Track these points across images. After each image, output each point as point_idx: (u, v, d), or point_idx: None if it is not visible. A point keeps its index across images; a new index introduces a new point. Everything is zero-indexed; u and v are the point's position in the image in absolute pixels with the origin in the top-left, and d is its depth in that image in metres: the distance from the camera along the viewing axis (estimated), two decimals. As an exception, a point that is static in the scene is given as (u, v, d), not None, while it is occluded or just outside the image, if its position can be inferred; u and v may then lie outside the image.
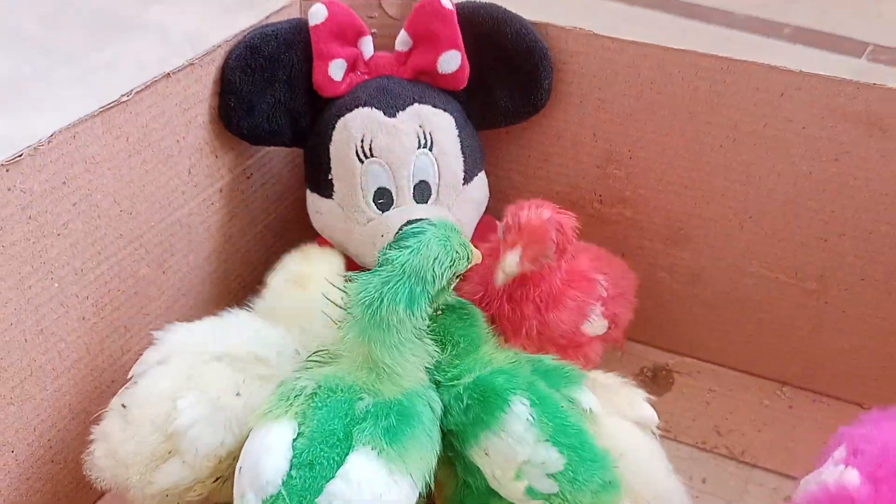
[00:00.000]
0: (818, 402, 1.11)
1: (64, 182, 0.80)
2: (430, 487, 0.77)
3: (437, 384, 0.79)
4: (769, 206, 1.00)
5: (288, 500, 0.68)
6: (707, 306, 1.11)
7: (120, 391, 0.81)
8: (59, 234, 0.81)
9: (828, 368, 1.09)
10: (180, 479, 0.79)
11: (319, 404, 0.73)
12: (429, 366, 0.77)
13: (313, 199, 1.00)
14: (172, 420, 0.77)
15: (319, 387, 0.74)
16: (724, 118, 0.97)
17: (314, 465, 0.69)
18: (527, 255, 0.85)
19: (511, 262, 0.85)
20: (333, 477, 0.69)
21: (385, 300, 0.72)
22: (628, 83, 1.00)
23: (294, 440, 0.71)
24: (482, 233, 1.05)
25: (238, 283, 1.10)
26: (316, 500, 0.68)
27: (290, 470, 0.69)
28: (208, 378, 0.80)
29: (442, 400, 0.78)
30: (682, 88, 0.97)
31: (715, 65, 0.95)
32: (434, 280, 0.74)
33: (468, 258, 0.79)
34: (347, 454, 0.70)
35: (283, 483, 0.69)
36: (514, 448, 0.74)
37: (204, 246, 1.02)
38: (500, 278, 0.86)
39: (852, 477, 0.73)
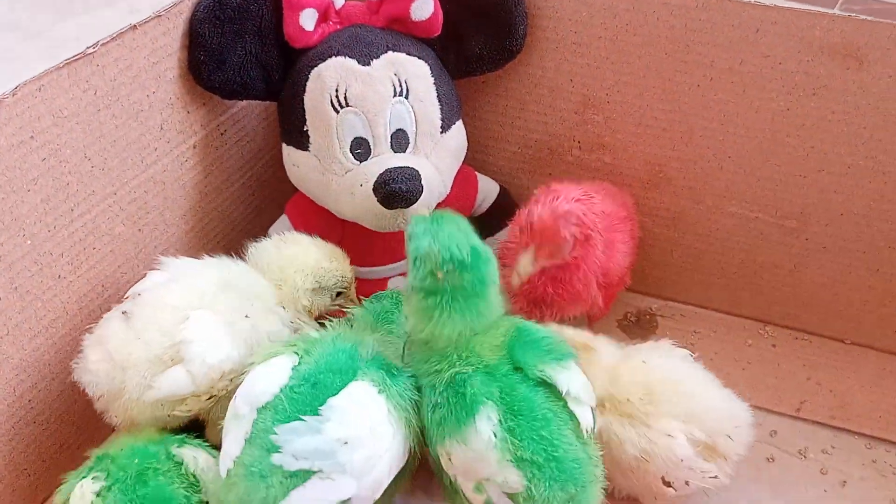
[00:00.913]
0: (801, 339, 1.12)
1: (31, 136, 0.79)
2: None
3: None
4: (747, 144, 1.00)
5: (289, 408, 0.71)
6: (688, 249, 1.11)
7: (117, 305, 0.82)
8: (28, 190, 0.80)
9: (809, 306, 1.10)
10: (179, 388, 0.79)
11: (325, 344, 0.77)
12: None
13: (289, 153, 0.99)
14: (182, 328, 0.78)
15: (324, 336, 0.78)
16: (699, 56, 0.96)
17: (317, 385, 0.73)
18: (541, 254, 0.84)
19: (525, 264, 0.84)
20: (336, 395, 0.72)
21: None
22: (604, 25, 0.99)
23: (296, 366, 0.75)
24: (460, 184, 1.04)
25: (216, 242, 1.08)
26: (319, 408, 0.70)
27: (293, 385, 0.73)
28: (218, 300, 0.81)
29: (419, 386, 0.78)
30: (657, 28, 0.97)
31: (689, 3, 0.94)
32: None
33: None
34: (350, 382, 0.73)
35: (284, 394, 0.72)
36: (475, 464, 0.72)
37: (180, 203, 1.00)
38: (516, 280, 0.85)
39: None
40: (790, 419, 1.02)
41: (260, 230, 1.09)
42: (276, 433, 0.70)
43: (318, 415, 0.71)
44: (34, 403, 0.88)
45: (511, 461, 0.71)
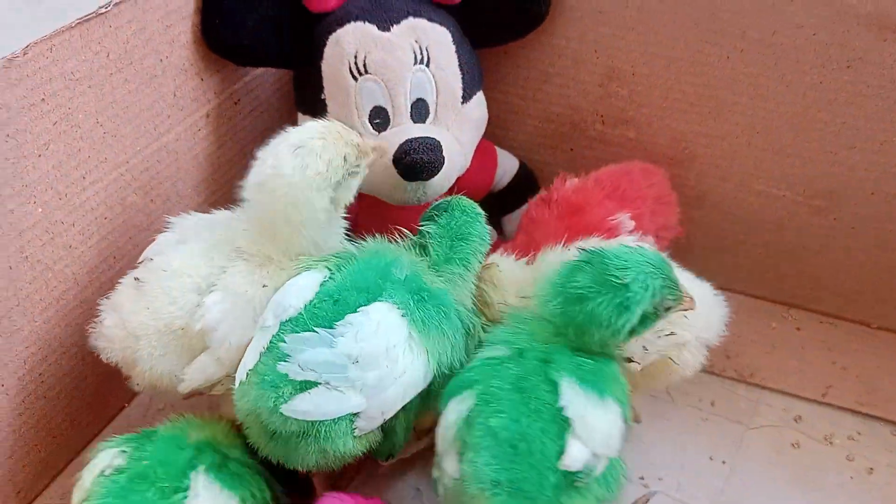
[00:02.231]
0: (825, 322, 1.10)
1: (42, 99, 0.76)
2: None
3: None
4: (777, 120, 0.97)
5: (308, 323, 0.71)
6: (712, 229, 1.08)
7: (131, 271, 0.80)
8: (39, 155, 0.77)
9: (835, 289, 1.07)
10: (210, 375, 0.77)
11: (357, 261, 0.76)
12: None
13: (305, 121, 0.96)
14: (201, 315, 0.75)
15: (361, 251, 0.77)
16: (730, 26, 0.93)
17: (339, 302, 0.73)
18: None
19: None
20: (355, 312, 0.71)
21: None
22: (630, -7, 0.96)
23: (324, 282, 0.74)
24: (480, 158, 1.01)
25: (229, 216, 1.06)
26: (334, 324, 0.70)
27: (315, 301, 0.73)
28: (232, 271, 0.78)
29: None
30: (686, -4, 0.93)
31: (722, -30, 0.91)
32: None
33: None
34: (374, 302, 0.72)
35: (304, 309, 0.72)
36: (440, 444, 0.74)
37: (192, 174, 0.98)
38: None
39: None
40: (816, 404, 1.00)
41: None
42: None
43: (333, 329, 0.71)
44: (45, 377, 0.86)
45: (458, 453, 0.71)
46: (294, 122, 0.99)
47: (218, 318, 0.76)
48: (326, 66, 0.92)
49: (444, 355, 0.75)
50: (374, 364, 0.70)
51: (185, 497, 0.70)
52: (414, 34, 0.91)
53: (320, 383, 0.70)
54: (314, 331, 0.71)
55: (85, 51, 0.79)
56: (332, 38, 0.91)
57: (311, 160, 0.74)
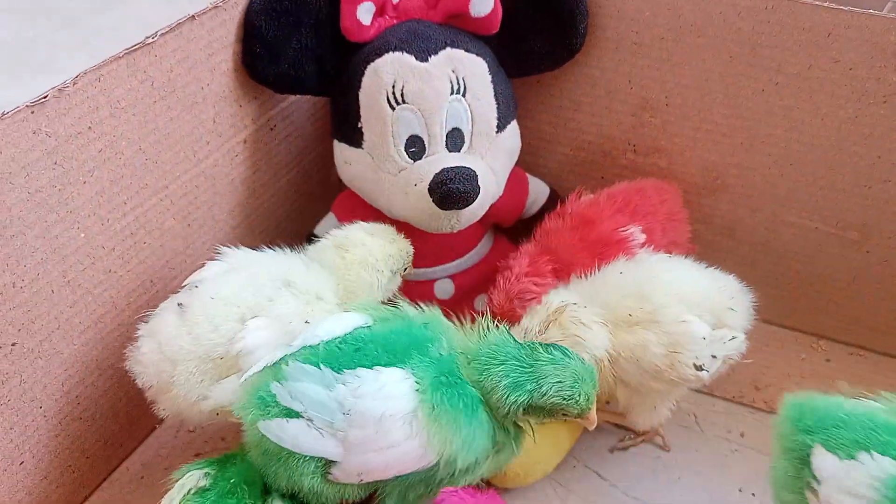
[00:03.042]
0: (855, 355, 1.09)
1: (90, 127, 0.77)
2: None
3: None
4: (811, 152, 0.97)
5: (320, 357, 0.71)
6: (744, 259, 1.08)
7: (174, 296, 0.81)
8: (84, 182, 0.78)
9: (866, 321, 1.06)
10: (235, 398, 0.77)
11: (402, 321, 0.75)
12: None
13: (341, 149, 0.97)
14: (240, 338, 0.76)
15: (412, 314, 0.76)
16: (766, 60, 0.93)
17: (360, 351, 0.72)
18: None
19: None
20: (369, 367, 0.70)
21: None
22: (667, 26, 0.96)
23: (359, 328, 0.74)
24: (511, 185, 1.02)
25: (262, 239, 1.07)
26: (343, 370, 0.70)
27: (339, 341, 0.73)
28: (279, 302, 0.79)
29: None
30: (722, 30, 0.94)
31: (758, 4, 0.91)
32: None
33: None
34: (392, 366, 0.71)
35: (325, 343, 0.72)
36: None
37: (228, 199, 0.99)
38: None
39: None
40: (845, 436, 0.99)
41: (305, 228, 1.07)
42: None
43: (340, 374, 0.70)
44: (81, 399, 0.87)
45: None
46: (328, 149, 1.00)
47: (257, 344, 0.77)
48: (364, 96, 0.92)
49: (452, 448, 0.70)
50: (361, 423, 0.69)
51: None
52: (451, 64, 0.92)
53: (303, 416, 0.69)
54: (320, 367, 0.70)
55: (131, 80, 0.80)
56: (371, 68, 0.92)
57: (388, 246, 0.89)
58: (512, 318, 0.88)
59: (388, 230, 0.91)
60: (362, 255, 0.86)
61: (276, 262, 0.84)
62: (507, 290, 0.91)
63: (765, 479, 0.92)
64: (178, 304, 0.79)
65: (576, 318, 0.82)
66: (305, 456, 0.70)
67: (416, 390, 0.70)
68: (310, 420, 0.69)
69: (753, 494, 0.92)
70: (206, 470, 0.74)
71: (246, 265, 0.82)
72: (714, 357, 0.84)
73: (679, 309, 0.83)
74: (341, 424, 0.69)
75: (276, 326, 0.77)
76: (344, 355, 0.72)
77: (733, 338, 0.86)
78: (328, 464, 0.71)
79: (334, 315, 0.77)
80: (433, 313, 0.77)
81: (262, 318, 0.77)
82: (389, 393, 0.69)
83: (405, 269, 0.92)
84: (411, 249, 0.92)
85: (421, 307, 0.77)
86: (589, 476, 0.94)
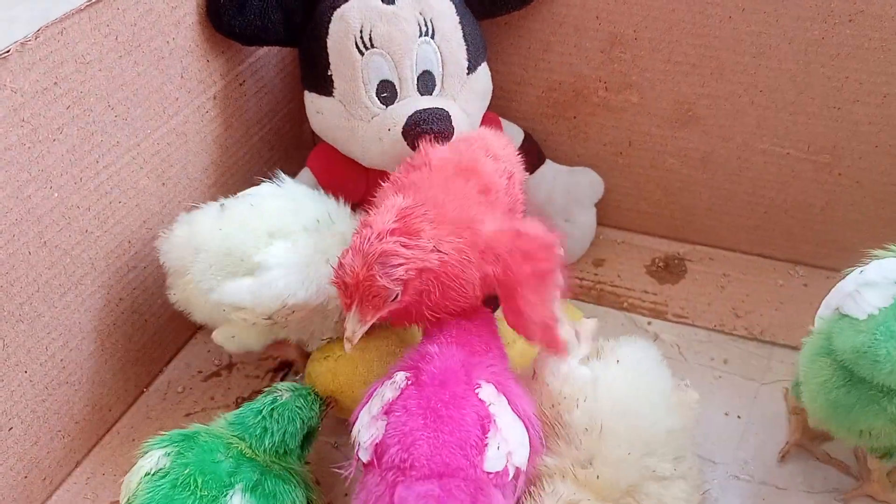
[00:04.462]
0: (833, 279, 1.10)
1: (55, 82, 0.76)
2: None
3: None
4: (780, 77, 0.98)
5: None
6: (717, 191, 1.09)
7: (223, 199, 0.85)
8: (54, 140, 0.77)
9: (841, 244, 1.08)
10: (239, 301, 0.80)
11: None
12: None
13: (312, 99, 0.96)
14: (263, 252, 0.79)
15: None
16: (732, -13, 0.94)
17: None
18: (366, 311, 0.69)
19: (353, 328, 0.70)
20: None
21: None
22: (631, -42, 0.96)
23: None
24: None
25: (239, 198, 1.06)
26: None
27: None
28: (311, 234, 0.82)
29: None
30: (687, -41, 0.94)
31: (721, -70, 0.91)
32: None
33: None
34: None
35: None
36: None
37: (202, 157, 0.98)
38: (348, 347, 0.71)
39: None
40: (826, 357, 1.01)
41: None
42: None
43: None
44: (66, 363, 0.86)
45: None
46: (300, 106, 1.00)
47: (276, 262, 0.79)
48: (332, 42, 0.92)
49: None
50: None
51: None
52: (418, 6, 0.91)
53: None
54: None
55: (94, 33, 0.79)
56: (337, 14, 0.91)
57: None
58: (371, 291, 0.69)
59: None
60: None
61: (325, 201, 0.88)
62: (364, 252, 0.68)
63: (749, 402, 0.95)
64: (221, 205, 0.84)
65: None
66: None
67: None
68: None
69: (739, 417, 0.94)
70: (166, 449, 0.73)
71: (293, 198, 0.86)
72: None
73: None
74: None
75: (300, 254, 0.80)
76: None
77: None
78: None
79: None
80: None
81: (289, 241, 0.81)
82: None
83: None
84: None
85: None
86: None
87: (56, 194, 0.79)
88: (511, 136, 1.08)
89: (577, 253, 1.13)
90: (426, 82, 0.92)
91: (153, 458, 0.73)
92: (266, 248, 0.80)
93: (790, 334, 1.03)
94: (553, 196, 1.09)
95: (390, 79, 0.91)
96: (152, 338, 0.97)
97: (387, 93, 0.92)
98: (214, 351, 1.03)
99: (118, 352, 0.93)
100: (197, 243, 0.81)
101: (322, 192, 0.90)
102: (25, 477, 0.84)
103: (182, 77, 0.91)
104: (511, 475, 0.68)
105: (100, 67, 0.80)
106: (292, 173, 1.04)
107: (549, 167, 1.10)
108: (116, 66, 0.82)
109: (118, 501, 0.83)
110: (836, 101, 0.97)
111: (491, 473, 0.67)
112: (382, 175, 0.93)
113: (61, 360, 0.85)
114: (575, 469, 0.72)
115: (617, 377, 0.76)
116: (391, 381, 0.71)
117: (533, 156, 1.09)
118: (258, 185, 0.88)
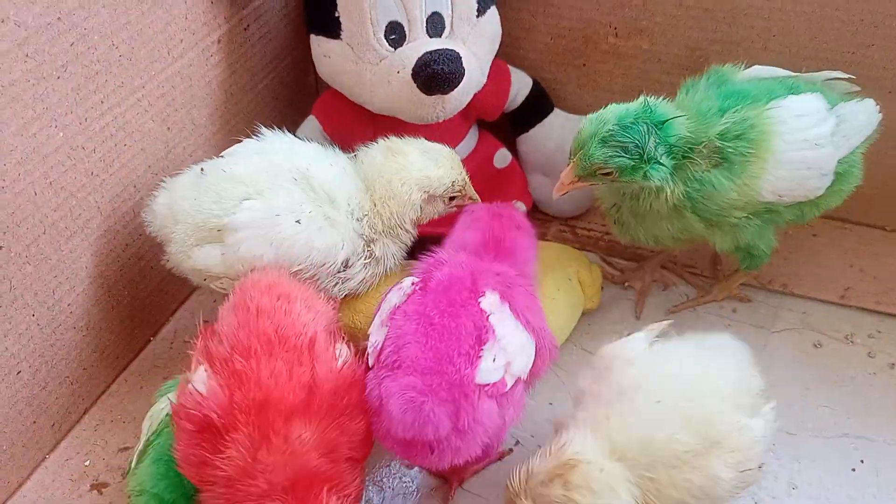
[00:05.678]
0: (840, 228, 1.10)
1: (59, 18, 0.74)
2: None
3: None
4: (794, 21, 0.96)
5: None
6: (728, 139, 1.08)
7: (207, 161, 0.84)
8: (59, 77, 0.76)
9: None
10: (212, 266, 0.80)
11: None
12: None
13: (319, 42, 0.94)
14: (232, 215, 0.77)
15: None
16: (746, -74, 0.92)
17: None
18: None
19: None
20: None
21: None
22: None
23: None
24: (493, 77, 1.00)
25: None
26: None
27: None
28: (280, 192, 0.79)
29: None
30: None
31: None
32: None
33: None
34: None
35: None
36: None
37: (207, 102, 0.96)
38: None
39: None
40: (835, 306, 1.01)
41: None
42: None
43: None
44: (73, 308, 0.85)
45: None
46: (304, 54, 0.98)
47: (243, 224, 0.78)
48: (339, -18, 0.90)
49: None
50: None
51: None
52: (427, -55, 0.89)
53: None
54: None
55: (97, -32, 0.77)
56: (345, -48, 0.89)
57: (431, 168, 0.83)
58: None
59: (442, 152, 0.85)
60: (401, 164, 0.83)
61: (309, 154, 0.83)
62: None
63: (757, 349, 0.94)
64: (201, 170, 0.82)
65: (586, 482, 0.65)
66: None
67: None
68: None
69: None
70: None
71: (277, 150, 0.83)
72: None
73: (732, 415, 0.70)
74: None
75: (268, 212, 0.78)
76: None
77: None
78: None
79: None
80: None
81: (258, 201, 0.78)
82: None
83: (452, 199, 0.86)
84: (461, 179, 0.85)
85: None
86: (587, 359, 0.95)
87: (61, 134, 0.78)
88: (519, 83, 1.07)
89: (585, 204, 1.12)
90: (435, 24, 0.91)
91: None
92: (233, 210, 0.78)
93: (799, 283, 1.03)
94: (562, 145, 1.08)
95: (399, 20, 0.90)
96: (158, 286, 0.97)
97: (395, 34, 0.90)
98: (220, 301, 1.02)
99: (125, 299, 0.92)
100: (175, 213, 0.80)
101: (320, 142, 0.87)
102: (34, 422, 0.84)
103: (186, 18, 0.89)
104: (509, 385, 0.69)
105: (103, 4, 0.78)
106: (297, 122, 1.03)
107: (557, 116, 1.09)
108: (120, 5, 0.80)
109: (128, 447, 0.84)
110: (850, 45, 0.96)
111: (486, 385, 0.68)
112: (389, 122, 0.93)
113: (68, 305, 0.84)
114: (600, 422, 0.69)
115: (682, 353, 0.74)
116: (399, 287, 0.74)
117: (542, 103, 1.08)
118: (241, 141, 0.86)
